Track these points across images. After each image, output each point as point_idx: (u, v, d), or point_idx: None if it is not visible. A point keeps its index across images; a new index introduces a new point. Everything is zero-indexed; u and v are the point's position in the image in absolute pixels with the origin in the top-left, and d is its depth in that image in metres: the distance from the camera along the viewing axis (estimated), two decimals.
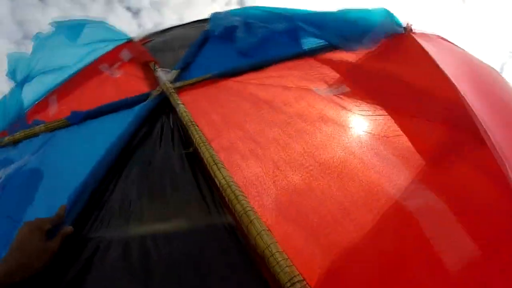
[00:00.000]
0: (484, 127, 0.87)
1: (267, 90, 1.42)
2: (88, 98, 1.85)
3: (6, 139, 1.70)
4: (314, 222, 0.89)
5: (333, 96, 1.30)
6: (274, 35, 1.94)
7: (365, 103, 1.23)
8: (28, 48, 2.03)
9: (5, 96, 1.95)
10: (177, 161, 1.14)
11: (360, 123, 1.17)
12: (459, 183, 0.92)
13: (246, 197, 0.93)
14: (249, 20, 2.08)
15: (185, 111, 1.31)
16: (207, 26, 2.22)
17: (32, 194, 1.31)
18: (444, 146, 1.04)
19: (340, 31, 1.81)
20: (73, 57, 2.09)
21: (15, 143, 1.68)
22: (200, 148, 1.09)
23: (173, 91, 1.50)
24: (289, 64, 1.65)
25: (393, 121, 1.13)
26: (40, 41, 2.01)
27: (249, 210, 0.88)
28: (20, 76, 1.93)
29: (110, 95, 1.80)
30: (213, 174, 1.00)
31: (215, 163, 1.01)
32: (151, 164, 1.17)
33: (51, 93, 1.97)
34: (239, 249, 0.87)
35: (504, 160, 0.79)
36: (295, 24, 2.01)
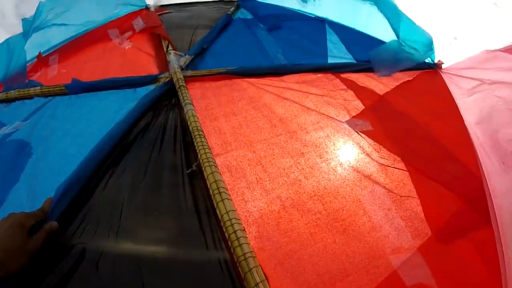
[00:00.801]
0: (496, 209, 0.88)
1: (284, 106, 1.28)
2: (91, 66, 1.68)
3: (0, 95, 1.55)
4: (312, 279, 0.80)
5: (354, 132, 1.18)
6: (300, 33, 1.80)
7: (386, 149, 1.12)
8: None
9: (7, 41, 1.77)
10: (178, 176, 1.01)
11: (378, 173, 1.06)
12: (455, 263, 0.87)
13: (247, 238, 0.82)
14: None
15: (193, 115, 1.17)
16: (231, 10, 2.04)
17: (18, 172, 1.18)
18: (452, 220, 0.97)
19: (369, 48, 1.68)
20: (83, 15, 1.90)
21: (8, 101, 1.54)
22: (205, 168, 0.97)
23: (183, 84, 1.35)
24: (311, 76, 1.50)
25: (409, 179, 1.04)
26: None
27: (249, 257, 0.78)
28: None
29: (115, 68, 1.64)
30: (215, 203, 0.88)
31: (219, 192, 0.89)
32: (147, 171, 1.04)
33: (53, 51, 1.80)
34: None
35: (505, 250, 0.80)
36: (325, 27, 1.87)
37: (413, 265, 0.85)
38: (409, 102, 1.37)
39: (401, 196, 0.99)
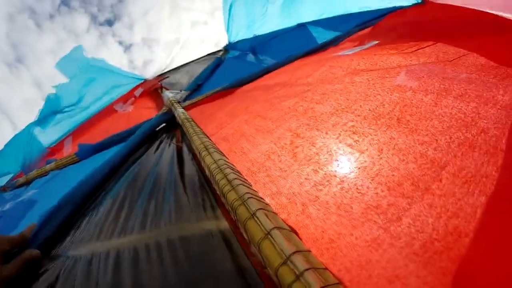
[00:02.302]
0: None
1: (280, 77, 1.09)
2: (101, 136, 1.63)
3: (21, 180, 1.50)
4: (380, 203, 0.45)
5: (360, 51, 0.94)
6: (287, 40, 1.70)
7: (404, 43, 0.86)
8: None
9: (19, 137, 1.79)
10: (167, 166, 0.80)
11: (406, 60, 0.77)
12: None
13: (246, 181, 0.57)
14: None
15: (183, 112, 1.01)
16: (220, 54, 2.03)
17: (19, 221, 1.04)
18: None
19: (354, 20, 1.54)
20: (91, 102, 1.93)
21: (28, 184, 1.48)
22: (192, 139, 0.76)
23: (176, 102, 1.22)
24: (305, 59, 1.33)
25: (448, 45, 0.75)
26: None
27: (249, 198, 0.49)
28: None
29: (122, 129, 1.58)
30: (203, 163, 0.65)
31: (206, 149, 0.67)
32: (133, 179, 0.84)
33: (67, 135, 1.80)
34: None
35: None
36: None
37: None
38: (410, 17, 1.13)
39: (450, 60, 0.70)
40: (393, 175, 0.48)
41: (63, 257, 0.60)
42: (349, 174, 0.52)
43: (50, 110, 1.73)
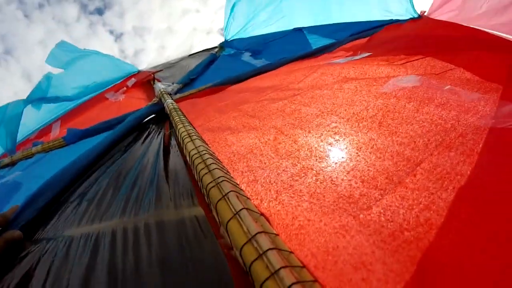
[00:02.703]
0: None
1: (272, 80, 1.10)
2: (90, 122, 1.61)
3: (5, 160, 1.47)
4: (352, 194, 0.46)
5: (353, 61, 0.95)
6: (283, 43, 1.70)
7: (395, 56, 0.86)
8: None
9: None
10: (152, 158, 0.79)
11: (395, 71, 0.79)
12: None
13: (223, 166, 0.56)
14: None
15: (172, 103, 1.00)
16: (215, 51, 2.02)
17: (4, 204, 1.02)
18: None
19: (350, 29, 1.55)
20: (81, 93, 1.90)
21: (13, 164, 1.44)
22: (177, 127, 0.75)
23: (165, 91, 1.21)
24: (299, 63, 1.33)
25: (435, 60, 0.76)
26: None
27: (223, 181, 0.49)
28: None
29: (111, 117, 1.56)
30: (184, 150, 0.64)
31: (189, 136, 0.66)
32: (119, 168, 0.82)
33: (56, 119, 1.76)
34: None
35: None
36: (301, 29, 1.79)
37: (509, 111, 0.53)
38: (404, 30, 1.14)
39: (437, 74, 0.71)
40: (368, 169, 0.48)
41: (45, 240, 0.59)
42: (326, 168, 0.52)
43: (41, 95, 1.70)
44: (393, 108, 0.64)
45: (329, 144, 0.59)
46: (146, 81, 1.73)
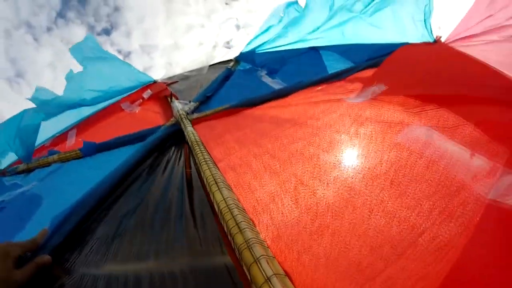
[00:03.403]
0: None
1: (291, 111, 1.19)
2: (105, 133, 1.72)
3: (21, 166, 1.58)
4: (355, 261, 0.56)
5: (369, 100, 1.04)
6: (299, 64, 1.80)
7: (410, 98, 0.95)
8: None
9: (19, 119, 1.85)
10: (176, 192, 0.89)
11: (409, 119, 0.88)
12: None
13: (251, 224, 0.65)
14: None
15: (192, 132, 1.10)
16: (231, 65, 2.12)
17: (25, 221, 1.13)
18: None
19: (366, 51, 1.65)
20: (98, 98, 2.01)
21: (29, 171, 1.55)
22: (201, 167, 0.85)
23: (185, 117, 1.31)
24: (315, 88, 1.43)
25: (449, 112, 0.85)
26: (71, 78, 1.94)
27: (254, 243, 0.58)
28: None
29: (127, 129, 1.66)
30: (212, 197, 0.74)
31: (216, 183, 0.76)
32: (145, 200, 0.93)
33: (72, 127, 1.88)
34: None
35: None
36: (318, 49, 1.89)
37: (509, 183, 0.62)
38: (417, 56, 1.23)
39: (449, 128, 0.80)
40: (377, 236, 0.58)
41: (79, 273, 0.68)
42: (340, 228, 0.62)
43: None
44: (405, 163, 0.74)
45: (344, 201, 0.69)
46: (162, 95, 1.83)
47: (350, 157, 0.81)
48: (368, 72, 1.45)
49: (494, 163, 0.66)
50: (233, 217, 0.64)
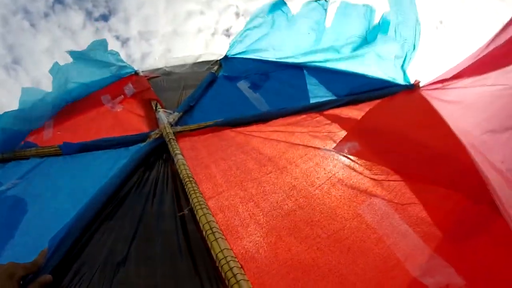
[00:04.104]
0: (500, 195, 0.83)
1: (272, 146, 1.36)
2: (84, 129, 1.77)
3: None
4: None
5: (343, 156, 1.24)
6: (282, 82, 1.95)
7: (377, 165, 1.17)
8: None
9: None
10: (170, 223, 1.05)
11: (374, 187, 1.10)
12: (478, 258, 0.86)
13: (245, 275, 0.82)
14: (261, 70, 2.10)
15: (183, 164, 1.23)
16: (214, 69, 2.22)
17: (12, 229, 1.22)
18: (461, 217, 0.99)
19: (348, 84, 1.84)
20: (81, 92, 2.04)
21: (3, 162, 1.61)
22: (197, 211, 1.01)
23: (173, 137, 1.43)
24: (296, 118, 1.59)
25: (407, 187, 1.07)
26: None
27: None
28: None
29: (107, 130, 1.73)
30: (209, 244, 0.91)
31: (213, 232, 0.92)
32: (141, 221, 1.07)
33: (49, 118, 1.89)
34: None
35: None
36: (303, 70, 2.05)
37: (435, 268, 0.84)
38: (392, 117, 1.45)
39: (402, 204, 1.01)
40: None
41: None
42: (307, 282, 0.83)
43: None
44: (362, 234, 0.96)
45: (312, 259, 0.90)
46: (146, 97, 1.90)
47: (321, 217, 1.01)
48: (347, 110, 1.65)
49: (427, 246, 0.89)
50: (230, 269, 0.82)
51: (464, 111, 1.34)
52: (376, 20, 1.92)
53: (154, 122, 1.75)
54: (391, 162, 1.20)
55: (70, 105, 1.95)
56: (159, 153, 1.49)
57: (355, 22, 1.95)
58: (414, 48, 1.78)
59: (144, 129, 1.72)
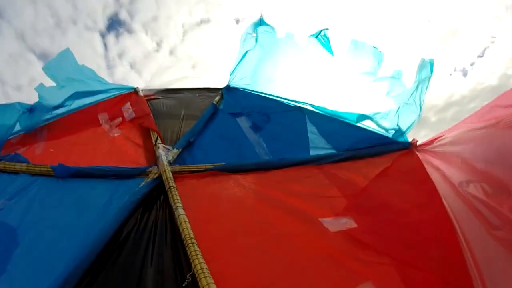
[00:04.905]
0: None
1: (273, 208, 1.46)
2: (79, 150, 1.78)
3: None
4: None
5: (340, 232, 1.36)
6: (283, 125, 2.06)
7: (371, 245, 1.30)
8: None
9: None
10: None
11: (364, 270, 1.23)
12: None
13: None
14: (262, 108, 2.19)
15: (185, 221, 1.28)
16: (216, 99, 2.28)
17: (3, 263, 1.25)
18: None
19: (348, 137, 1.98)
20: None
21: None
22: (200, 279, 1.08)
23: (173, 185, 1.48)
24: (295, 172, 1.71)
25: (393, 275, 1.21)
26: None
27: None
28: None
29: (103, 156, 1.77)
30: None
31: None
32: (140, 282, 1.14)
33: (42, 126, 1.92)
34: None
35: None
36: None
37: None
38: (389, 194, 1.58)
39: None
40: None
41: None
42: None
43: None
44: None
45: None
46: (145, 125, 1.95)
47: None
48: (346, 167, 1.77)
49: None
50: None
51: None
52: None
53: (151, 154, 1.80)
54: (384, 243, 1.33)
55: (66, 117, 1.97)
56: (157, 193, 1.55)
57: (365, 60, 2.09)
58: (418, 118, 1.92)
59: (141, 160, 1.77)
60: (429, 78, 1.86)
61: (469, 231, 1.34)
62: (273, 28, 2.25)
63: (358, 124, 2.11)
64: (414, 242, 1.37)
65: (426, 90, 1.92)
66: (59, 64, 1.95)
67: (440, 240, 1.37)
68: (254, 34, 2.31)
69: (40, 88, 1.87)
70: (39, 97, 1.85)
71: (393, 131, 2.00)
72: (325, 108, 2.18)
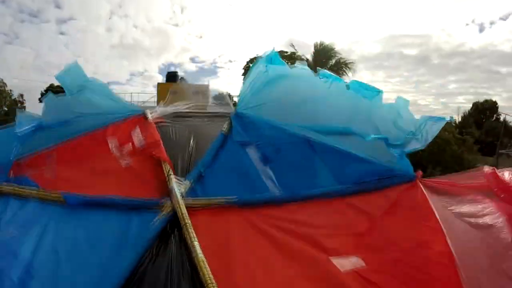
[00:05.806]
0: None
1: (283, 253, 1.56)
2: (90, 178, 1.87)
3: None
4: None
5: (348, 273, 1.47)
6: (292, 158, 2.16)
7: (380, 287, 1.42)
8: None
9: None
10: None
11: None
12: None
13: None
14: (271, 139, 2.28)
15: (203, 261, 1.37)
16: (224, 128, 2.36)
17: None
18: None
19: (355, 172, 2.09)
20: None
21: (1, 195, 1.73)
22: None
23: (188, 222, 1.57)
24: (307, 210, 1.83)
25: None
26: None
27: None
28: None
29: (114, 186, 1.85)
30: None
31: None
32: None
33: (52, 148, 2.01)
34: None
35: None
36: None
37: None
38: (395, 232, 1.71)
39: None
40: None
41: None
42: None
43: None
44: None
45: None
46: (157, 156, 2.02)
47: None
48: (354, 203, 1.88)
49: None
50: None
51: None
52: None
53: (163, 184, 1.87)
54: (392, 283, 1.46)
55: (76, 140, 2.04)
56: (171, 227, 1.63)
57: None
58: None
59: (153, 191, 1.84)
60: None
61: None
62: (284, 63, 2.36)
63: (364, 157, 2.21)
64: (420, 281, 1.50)
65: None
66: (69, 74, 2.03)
67: (441, 279, 1.50)
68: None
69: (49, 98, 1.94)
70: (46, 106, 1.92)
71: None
72: (333, 139, 2.29)
